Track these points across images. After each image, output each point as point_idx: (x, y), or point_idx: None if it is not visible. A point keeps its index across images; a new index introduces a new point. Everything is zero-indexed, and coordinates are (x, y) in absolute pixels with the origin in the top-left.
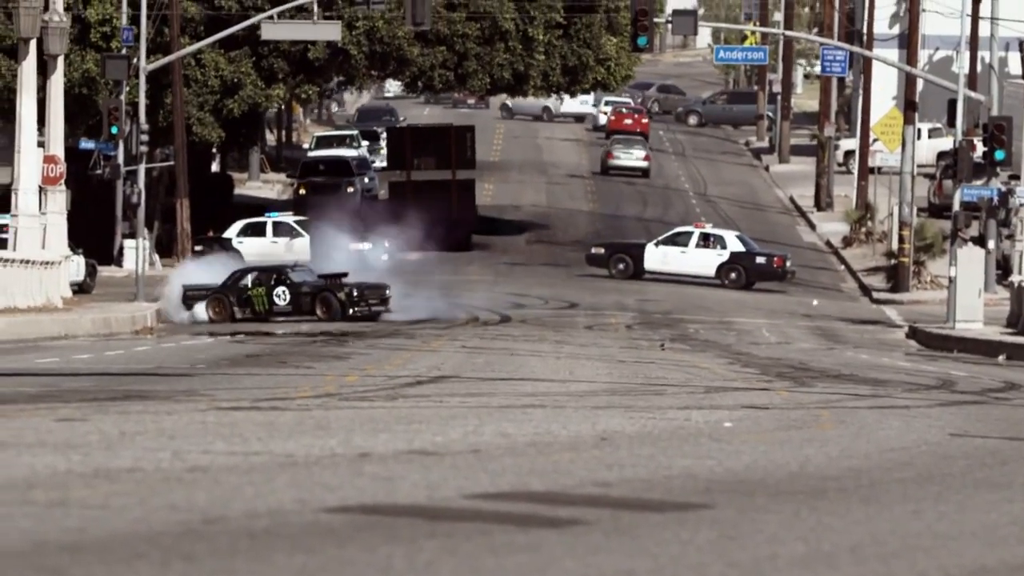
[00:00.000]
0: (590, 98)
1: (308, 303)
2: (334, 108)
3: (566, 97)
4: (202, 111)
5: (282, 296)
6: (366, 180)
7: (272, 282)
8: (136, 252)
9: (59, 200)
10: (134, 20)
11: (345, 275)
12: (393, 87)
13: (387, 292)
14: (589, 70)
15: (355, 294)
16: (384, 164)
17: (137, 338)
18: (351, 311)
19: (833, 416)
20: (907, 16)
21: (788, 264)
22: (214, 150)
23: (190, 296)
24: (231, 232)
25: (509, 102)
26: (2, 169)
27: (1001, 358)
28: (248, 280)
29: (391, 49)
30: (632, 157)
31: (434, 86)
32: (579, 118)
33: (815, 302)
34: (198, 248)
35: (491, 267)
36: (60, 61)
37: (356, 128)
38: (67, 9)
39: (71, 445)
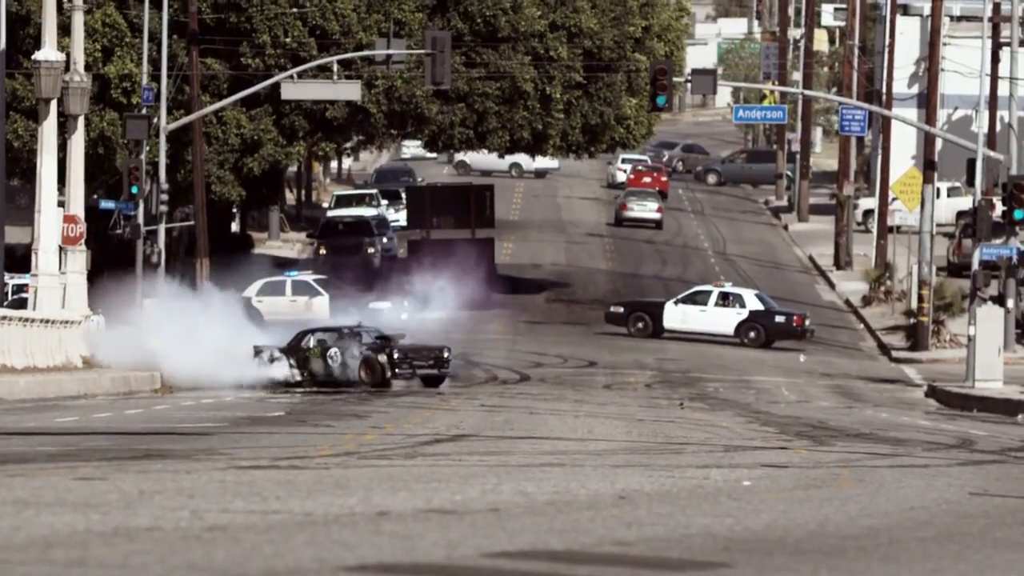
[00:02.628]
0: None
1: (357, 366)
2: (347, 163)
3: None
4: (222, 169)
5: (334, 358)
6: (385, 240)
7: (329, 343)
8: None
9: (79, 260)
10: (154, 79)
11: (401, 336)
12: (411, 148)
13: (445, 354)
14: (609, 129)
15: (396, 356)
16: (404, 223)
17: (156, 397)
18: (389, 375)
19: (852, 475)
20: (926, 76)
21: (807, 323)
22: (234, 209)
23: (257, 355)
24: (251, 291)
25: (467, 158)
26: (22, 229)
27: (1020, 417)
28: (311, 341)
29: (410, 108)
30: (646, 209)
31: (454, 144)
32: (540, 174)
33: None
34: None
35: (511, 325)
36: (80, 121)
37: (375, 188)
38: (87, 68)
39: (90, 504)
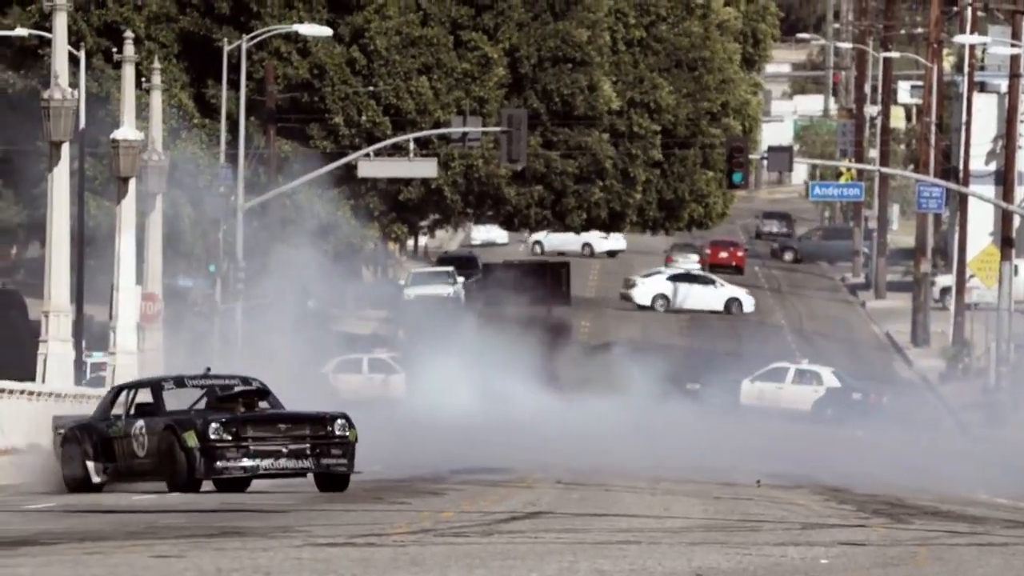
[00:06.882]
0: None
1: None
2: (423, 240)
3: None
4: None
5: (140, 438)
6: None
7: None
8: None
9: (156, 337)
10: (229, 159)
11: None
12: (480, 234)
13: (331, 427)
14: (685, 206)
15: (223, 434)
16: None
17: None
18: (200, 467)
19: (930, 553)
20: (1003, 153)
21: (884, 401)
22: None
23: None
24: (327, 368)
25: (543, 238)
26: (100, 307)
27: None
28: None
29: (488, 188)
30: (689, 261)
31: (530, 224)
32: (612, 254)
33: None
34: None
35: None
36: (159, 199)
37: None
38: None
39: None
